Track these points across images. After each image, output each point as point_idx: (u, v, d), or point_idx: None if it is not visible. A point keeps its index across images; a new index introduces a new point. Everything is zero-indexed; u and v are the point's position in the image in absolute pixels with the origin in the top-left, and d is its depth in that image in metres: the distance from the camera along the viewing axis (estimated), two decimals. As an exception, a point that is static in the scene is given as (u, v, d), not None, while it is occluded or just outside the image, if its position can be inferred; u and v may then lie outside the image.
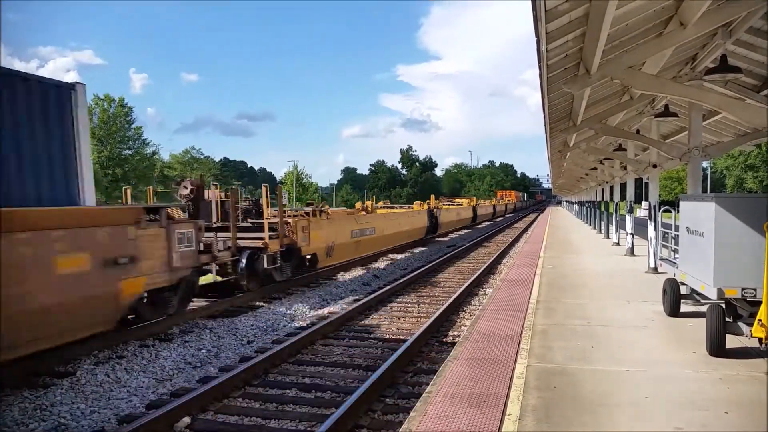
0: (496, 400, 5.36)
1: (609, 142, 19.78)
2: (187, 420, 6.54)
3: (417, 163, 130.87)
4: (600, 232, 27.37)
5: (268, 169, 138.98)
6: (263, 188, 15.56)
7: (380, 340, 10.25)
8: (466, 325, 10.55)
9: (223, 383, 7.45)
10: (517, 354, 6.85)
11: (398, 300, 13.96)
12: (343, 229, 18.89)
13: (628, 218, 18.18)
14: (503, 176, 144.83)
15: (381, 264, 21.44)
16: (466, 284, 14.96)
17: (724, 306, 6.78)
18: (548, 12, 6.31)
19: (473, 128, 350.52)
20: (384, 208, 28.37)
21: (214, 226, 13.48)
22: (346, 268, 18.99)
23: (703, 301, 7.85)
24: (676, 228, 9.56)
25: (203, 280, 12.51)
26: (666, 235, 11.67)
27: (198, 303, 12.60)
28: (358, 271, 19.09)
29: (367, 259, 21.62)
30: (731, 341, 6.78)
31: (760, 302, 5.99)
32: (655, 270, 13.51)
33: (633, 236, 18.01)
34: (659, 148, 13.99)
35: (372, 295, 13.70)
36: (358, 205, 24.84)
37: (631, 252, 17.68)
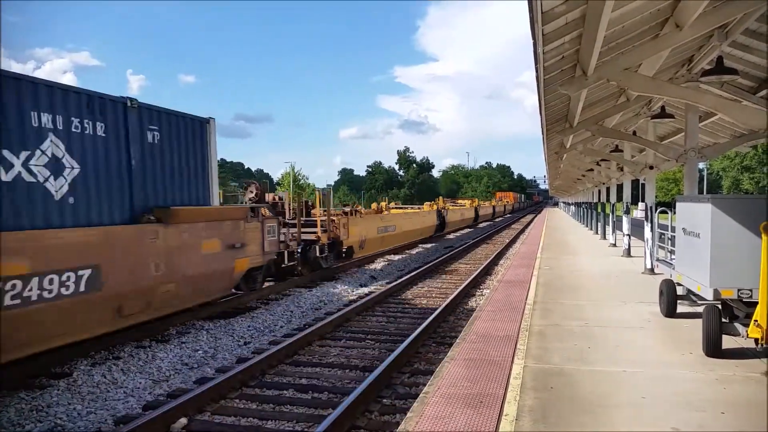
0: (493, 400, 5.37)
1: (606, 143, 19.83)
2: (183, 421, 6.54)
3: (414, 165, 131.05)
4: (597, 233, 27.42)
5: (265, 171, 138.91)
6: (317, 193, 19.66)
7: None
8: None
9: (219, 384, 7.44)
10: (514, 355, 6.86)
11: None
12: (372, 226, 22.18)
13: (624, 219, 18.21)
14: (500, 177, 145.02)
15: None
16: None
17: (720, 307, 6.80)
18: (545, 14, 6.32)
19: (471, 130, 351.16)
20: (396, 208, 31.23)
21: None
22: (345, 269, 19.29)
23: (699, 302, 7.87)
24: (673, 229, 9.60)
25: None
26: (662, 236, 11.71)
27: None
28: (355, 273, 19.41)
29: (365, 261, 21.68)
30: (728, 342, 6.79)
31: (757, 303, 6.00)
32: (651, 271, 13.53)
33: (630, 237, 18.04)
34: (656, 149, 14.03)
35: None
36: (374, 206, 27.60)
37: (628, 253, 17.71)
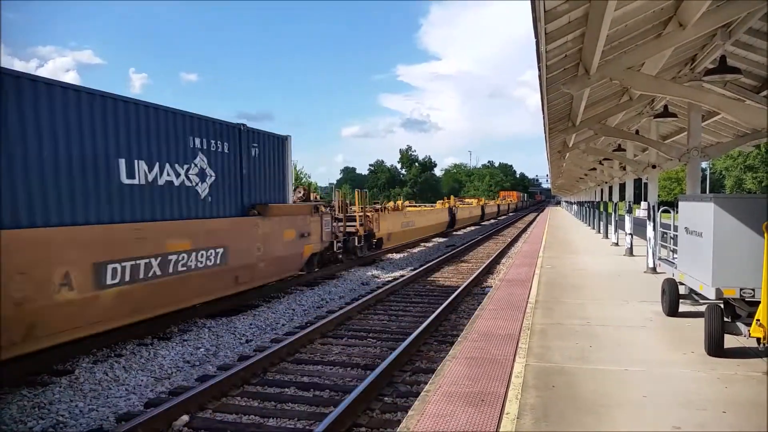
0: (495, 399, 5.37)
1: (608, 142, 19.80)
2: (185, 418, 6.55)
3: (416, 163, 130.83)
4: (599, 232, 27.38)
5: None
6: (356, 193, 22.75)
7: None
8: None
9: (221, 382, 7.45)
10: (515, 353, 6.86)
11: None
12: (397, 221, 25.79)
13: (627, 218, 18.19)
14: (503, 176, 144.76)
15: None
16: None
17: (722, 306, 6.78)
18: (548, 12, 6.31)
19: (473, 128, 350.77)
20: (411, 206, 34.40)
21: None
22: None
23: (701, 301, 7.86)
24: (675, 228, 9.58)
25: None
26: (665, 236, 11.68)
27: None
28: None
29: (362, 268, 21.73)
30: (729, 341, 6.79)
31: (759, 302, 5.99)
32: (653, 270, 13.52)
33: (632, 236, 18.02)
34: (658, 148, 14.01)
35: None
36: (391, 204, 29.69)
37: (630, 252, 17.69)
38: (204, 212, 11.35)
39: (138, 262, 9.42)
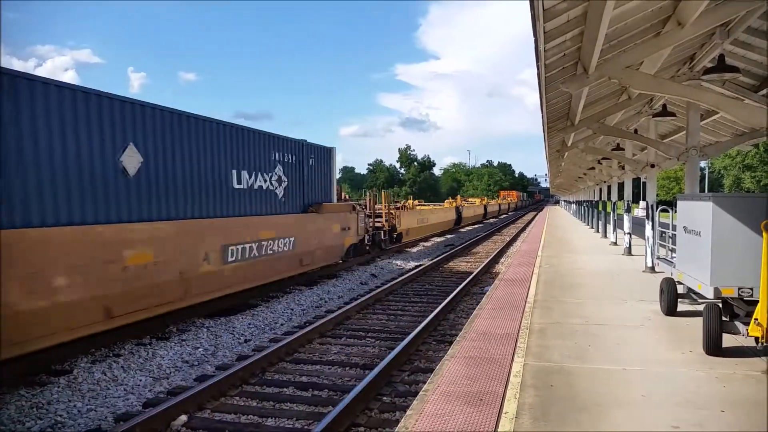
0: (493, 398, 5.36)
1: (607, 141, 19.80)
2: (184, 418, 6.54)
3: (415, 163, 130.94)
4: (597, 231, 27.39)
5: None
6: (383, 193, 26.97)
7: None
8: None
9: (220, 382, 7.45)
10: (514, 352, 6.85)
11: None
12: (414, 218, 29.45)
13: (625, 218, 18.19)
14: (502, 176, 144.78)
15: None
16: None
17: (720, 305, 6.78)
18: (546, 11, 6.31)
19: (472, 128, 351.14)
20: (420, 206, 36.71)
21: None
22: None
23: (700, 300, 7.86)
24: (674, 227, 9.58)
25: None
26: (663, 235, 11.69)
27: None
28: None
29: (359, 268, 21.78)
30: (728, 340, 6.79)
31: (757, 301, 5.99)
32: (652, 269, 13.52)
33: (630, 236, 18.02)
34: (657, 147, 14.01)
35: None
36: (404, 203, 33.01)
37: (629, 251, 17.69)
38: (280, 209, 14.75)
39: (245, 245, 12.76)
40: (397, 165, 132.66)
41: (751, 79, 10.87)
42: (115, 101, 9.25)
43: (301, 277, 16.28)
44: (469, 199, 59.57)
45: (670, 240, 10.51)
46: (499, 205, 72.27)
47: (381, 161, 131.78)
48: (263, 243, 13.49)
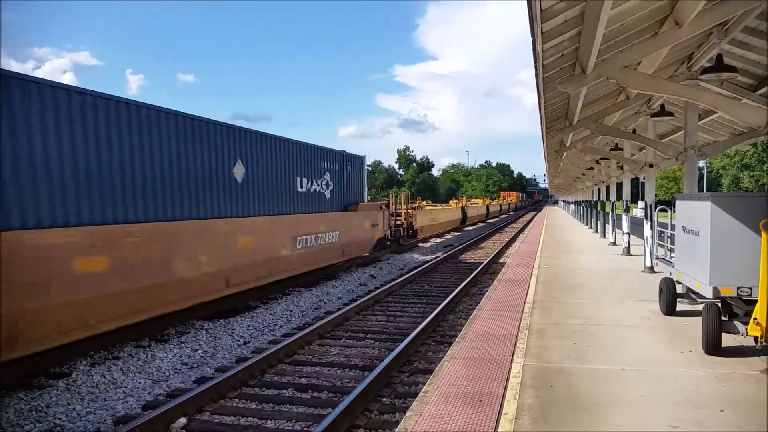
0: (493, 399, 5.36)
1: (605, 141, 19.81)
2: (183, 421, 6.53)
3: (414, 164, 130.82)
4: (596, 231, 27.40)
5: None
6: (402, 194, 31.54)
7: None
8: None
9: (219, 384, 7.43)
10: (513, 353, 6.85)
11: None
12: (427, 217, 32.72)
13: (624, 218, 18.20)
14: (500, 176, 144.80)
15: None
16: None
17: (720, 305, 6.78)
18: (544, 12, 6.31)
19: (470, 128, 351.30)
20: (428, 206, 39.69)
21: None
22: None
23: (699, 300, 7.86)
24: (673, 227, 9.58)
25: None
26: (662, 235, 11.69)
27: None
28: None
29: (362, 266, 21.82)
30: (727, 340, 6.79)
31: (756, 301, 5.99)
32: (651, 269, 13.52)
33: (629, 236, 18.03)
34: (655, 147, 14.01)
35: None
36: (417, 203, 36.09)
37: (628, 251, 17.70)
38: (328, 208, 17.99)
39: (307, 236, 16.14)
40: (396, 166, 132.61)
41: (749, 78, 10.88)
42: (230, 129, 12.57)
43: (343, 265, 19.79)
44: (473, 200, 62.75)
45: (669, 240, 10.51)
46: (500, 205, 75.97)
47: (380, 162, 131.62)
48: (319, 235, 16.95)
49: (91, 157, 8.76)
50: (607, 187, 26.33)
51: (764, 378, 5.85)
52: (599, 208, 27.62)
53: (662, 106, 12.77)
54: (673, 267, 8.73)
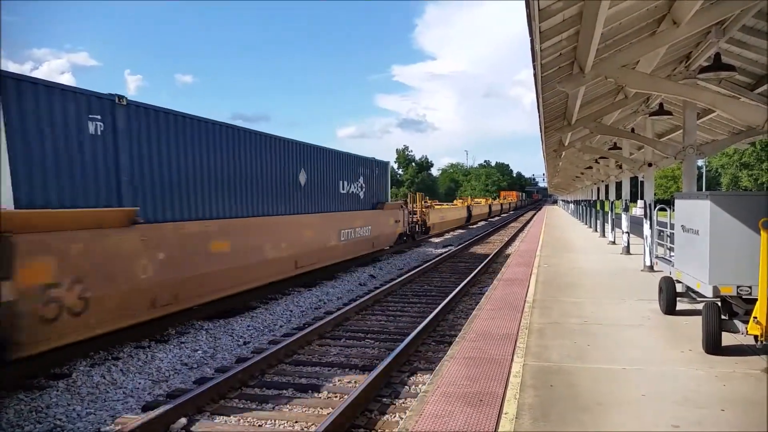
0: (493, 399, 5.36)
1: (604, 140, 19.82)
2: (183, 421, 6.53)
3: (413, 163, 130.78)
4: (596, 230, 27.42)
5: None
6: (418, 194, 34.60)
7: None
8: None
9: (219, 384, 7.43)
10: (513, 353, 6.85)
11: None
12: (437, 215, 35.94)
13: (623, 217, 18.22)
14: (499, 176, 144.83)
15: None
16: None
17: (719, 304, 6.79)
18: (542, 11, 6.31)
19: (469, 128, 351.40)
20: (437, 205, 41.82)
21: None
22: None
23: (699, 299, 7.86)
24: (672, 226, 9.59)
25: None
26: (661, 234, 11.70)
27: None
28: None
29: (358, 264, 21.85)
30: (727, 339, 6.79)
31: (756, 300, 6.00)
32: (650, 268, 13.53)
33: (629, 235, 18.05)
34: (654, 146, 14.03)
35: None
36: (429, 203, 39.32)
37: (627, 250, 17.71)
38: (362, 207, 21.17)
39: (349, 230, 19.31)
40: (395, 166, 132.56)
41: (747, 77, 10.90)
42: (297, 144, 16.00)
43: (368, 256, 22.40)
44: (476, 199, 66.72)
45: (669, 239, 10.52)
46: (501, 204, 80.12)
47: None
48: (356, 229, 20.02)
49: (215, 169, 11.85)
50: (606, 187, 26.36)
51: (764, 377, 5.85)
52: (598, 207, 27.63)
53: (661, 105, 12.78)
54: (673, 266, 8.73)
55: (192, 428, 6.47)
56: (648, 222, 14.02)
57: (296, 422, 6.64)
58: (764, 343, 5.96)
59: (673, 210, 9.12)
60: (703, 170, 65.01)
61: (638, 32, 8.44)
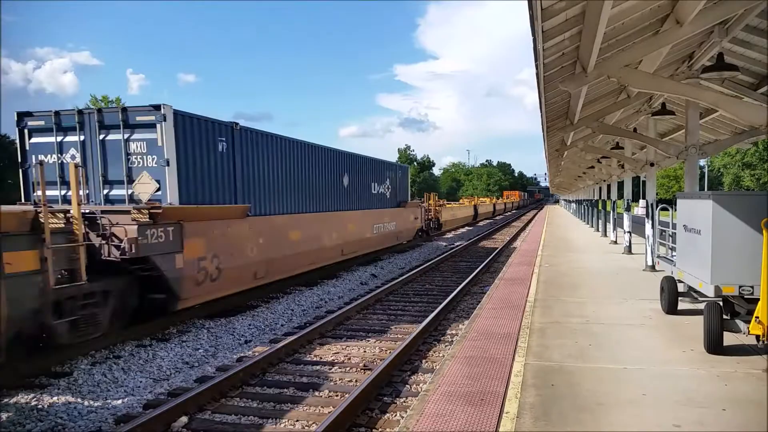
0: (494, 398, 5.36)
1: (606, 140, 19.79)
2: (184, 419, 6.53)
3: (415, 163, 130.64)
4: (597, 230, 27.39)
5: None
6: (432, 195, 36.87)
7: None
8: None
9: (220, 383, 7.43)
10: (514, 352, 6.85)
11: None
12: (449, 212, 39.95)
13: (625, 216, 18.19)
14: (501, 175, 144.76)
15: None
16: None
17: (721, 303, 6.78)
18: (544, 10, 6.30)
19: (471, 127, 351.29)
20: (448, 204, 45.01)
21: None
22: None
23: (700, 299, 7.85)
24: (674, 226, 9.58)
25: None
26: (663, 233, 11.68)
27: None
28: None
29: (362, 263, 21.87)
30: (729, 338, 6.79)
31: (758, 299, 5.99)
32: (652, 268, 13.52)
33: (630, 234, 18.02)
34: (656, 146, 14.00)
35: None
36: (442, 202, 42.88)
37: (629, 250, 17.69)
38: (388, 205, 24.36)
39: (379, 224, 22.77)
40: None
41: (750, 77, 10.87)
42: (342, 153, 19.62)
43: (389, 249, 25.05)
44: (481, 199, 70.68)
45: (671, 238, 10.50)
46: (505, 204, 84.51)
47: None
48: (385, 224, 23.56)
49: (290, 175, 15.33)
50: (608, 186, 26.32)
51: (766, 377, 5.84)
52: (600, 207, 27.60)
53: (663, 104, 12.76)
54: (675, 266, 8.72)
55: (193, 426, 6.48)
56: (650, 222, 14.00)
57: (297, 421, 6.64)
58: (766, 342, 5.96)
59: (675, 210, 9.11)
60: (705, 170, 64.88)
61: (641, 32, 8.42)
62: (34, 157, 11.53)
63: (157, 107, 10.69)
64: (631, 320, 8.51)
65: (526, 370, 6.17)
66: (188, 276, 10.49)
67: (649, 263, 13.79)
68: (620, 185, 22.08)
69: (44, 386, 7.77)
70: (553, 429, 4.67)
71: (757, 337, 5.98)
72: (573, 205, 56.11)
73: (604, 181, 27.24)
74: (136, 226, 9.35)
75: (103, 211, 9.59)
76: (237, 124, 12.67)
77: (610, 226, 23.63)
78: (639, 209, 17.03)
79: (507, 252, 23.66)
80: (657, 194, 16.00)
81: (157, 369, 8.70)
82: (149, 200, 10.57)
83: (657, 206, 13.80)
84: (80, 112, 11.41)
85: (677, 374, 6.00)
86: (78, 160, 11.13)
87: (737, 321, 6.73)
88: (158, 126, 10.65)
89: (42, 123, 11.55)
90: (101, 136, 11.15)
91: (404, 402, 7.04)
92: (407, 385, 7.77)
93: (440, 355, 8.89)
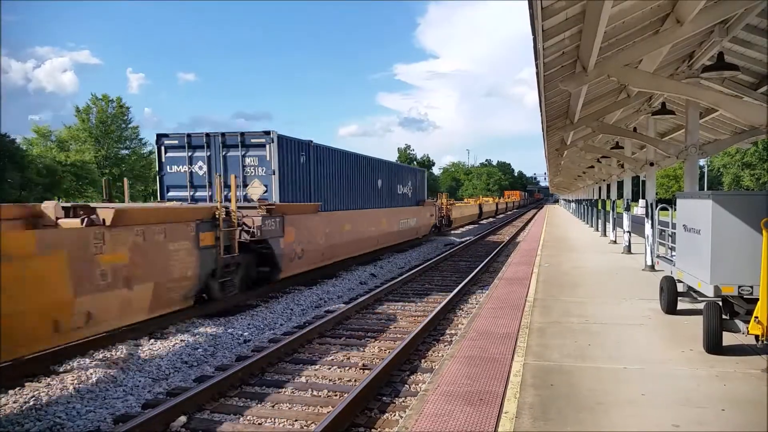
0: (493, 398, 5.35)
1: (606, 140, 19.79)
2: (183, 419, 6.52)
3: (415, 162, 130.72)
4: (597, 230, 27.38)
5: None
6: (444, 195, 41.29)
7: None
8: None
9: (219, 382, 7.42)
10: (514, 352, 6.84)
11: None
12: (458, 211, 43.45)
13: (625, 216, 18.18)
14: (501, 175, 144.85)
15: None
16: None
17: (720, 303, 6.78)
18: (545, 9, 6.29)
19: (471, 127, 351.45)
20: (456, 203, 49.23)
21: None
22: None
23: (700, 299, 7.85)
24: (673, 226, 9.57)
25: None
26: (663, 233, 11.67)
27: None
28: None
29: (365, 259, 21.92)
30: (728, 338, 6.78)
31: (757, 299, 5.98)
32: (652, 268, 13.51)
33: (630, 234, 18.02)
34: (656, 146, 14.00)
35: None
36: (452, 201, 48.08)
37: (628, 250, 17.69)
38: (409, 204, 27.68)
39: (404, 220, 26.31)
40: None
41: (750, 76, 10.86)
42: (375, 160, 23.15)
43: (400, 245, 27.02)
44: (485, 198, 74.14)
45: (670, 238, 10.49)
46: (506, 203, 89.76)
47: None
48: (407, 220, 26.91)
49: (342, 178, 19.52)
50: (608, 186, 26.32)
51: (765, 377, 5.84)
52: (600, 207, 27.60)
53: (663, 104, 12.75)
54: (674, 265, 8.72)
55: (192, 426, 6.47)
56: (649, 221, 13.99)
57: (296, 420, 6.63)
58: (765, 342, 5.95)
59: (675, 209, 9.10)
60: (705, 170, 64.91)
61: (641, 31, 8.41)
62: (168, 167, 15.67)
63: (267, 132, 14.89)
64: (630, 320, 8.50)
65: (526, 369, 6.16)
66: (287, 254, 14.17)
67: (649, 263, 13.79)
68: (620, 185, 22.07)
69: (43, 385, 7.75)
70: (553, 429, 4.66)
71: (757, 337, 5.97)
72: (573, 204, 56.15)
73: (604, 180, 27.24)
74: (260, 217, 12.80)
75: (238, 207, 12.79)
76: (311, 141, 16.96)
77: (609, 226, 23.62)
78: (638, 209, 17.05)
79: (507, 252, 23.87)
80: (657, 194, 16.00)
81: (156, 368, 8.69)
82: (259, 199, 14.36)
83: (656, 206, 13.80)
84: (207, 134, 15.30)
85: (676, 374, 5.99)
86: (205, 170, 15.42)
87: (736, 321, 6.72)
88: (267, 146, 14.85)
89: (176, 142, 15.50)
90: (223, 153, 15.23)
91: (403, 402, 7.03)
92: (406, 385, 7.77)
93: (439, 354, 8.88)
